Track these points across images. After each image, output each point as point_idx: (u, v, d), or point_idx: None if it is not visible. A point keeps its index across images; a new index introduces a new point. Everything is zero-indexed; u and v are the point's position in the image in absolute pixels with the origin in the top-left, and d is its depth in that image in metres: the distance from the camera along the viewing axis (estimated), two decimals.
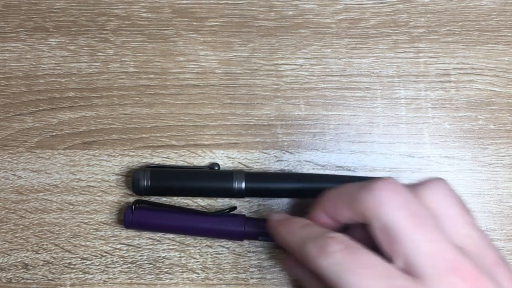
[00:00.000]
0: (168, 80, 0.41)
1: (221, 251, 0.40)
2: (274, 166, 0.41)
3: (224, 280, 0.40)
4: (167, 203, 0.40)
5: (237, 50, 0.42)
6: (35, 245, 0.40)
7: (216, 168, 0.40)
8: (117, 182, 0.41)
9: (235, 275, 0.40)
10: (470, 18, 0.42)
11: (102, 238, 0.40)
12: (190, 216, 0.39)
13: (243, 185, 0.39)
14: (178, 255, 0.40)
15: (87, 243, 0.40)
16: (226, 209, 0.39)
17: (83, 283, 0.40)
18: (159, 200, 0.40)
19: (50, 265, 0.40)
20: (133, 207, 0.39)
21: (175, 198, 0.40)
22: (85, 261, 0.40)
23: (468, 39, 0.42)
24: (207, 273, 0.40)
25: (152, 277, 0.40)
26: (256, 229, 0.39)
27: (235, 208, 0.40)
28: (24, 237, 0.40)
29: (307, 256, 0.30)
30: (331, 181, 0.39)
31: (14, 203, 0.40)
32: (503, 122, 0.41)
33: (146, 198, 0.40)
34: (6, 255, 0.40)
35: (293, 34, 0.42)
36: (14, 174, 0.41)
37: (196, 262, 0.40)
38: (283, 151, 0.41)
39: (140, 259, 0.40)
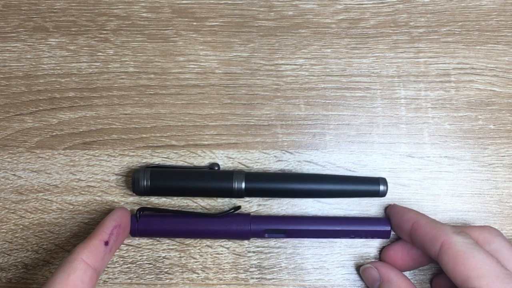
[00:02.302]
0: (168, 80, 0.41)
1: (221, 251, 0.40)
2: (274, 166, 0.41)
3: (224, 280, 0.40)
4: (169, 204, 0.40)
5: (237, 50, 0.42)
6: (35, 245, 0.40)
7: (216, 168, 0.40)
8: (117, 182, 0.41)
9: (235, 275, 0.40)
10: (470, 18, 0.42)
11: None
12: (195, 220, 0.39)
13: (243, 185, 0.39)
14: (178, 255, 0.40)
15: None
16: (231, 209, 0.39)
17: None
18: (159, 200, 0.40)
19: (50, 265, 0.40)
20: (137, 215, 0.39)
21: (175, 198, 0.40)
22: None
23: (468, 39, 0.42)
24: (207, 273, 0.40)
25: (152, 277, 0.40)
26: (262, 227, 0.39)
27: (239, 207, 0.40)
28: (24, 237, 0.40)
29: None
30: (331, 181, 0.39)
31: (14, 203, 0.40)
32: (503, 122, 0.41)
33: (146, 198, 0.40)
34: (6, 255, 0.40)
35: (293, 34, 0.42)
36: (14, 174, 0.41)
37: (196, 262, 0.40)
38: (283, 151, 0.41)
39: (140, 259, 0.40)
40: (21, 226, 0.40)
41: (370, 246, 0.40)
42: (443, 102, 0.42)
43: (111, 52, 0.42)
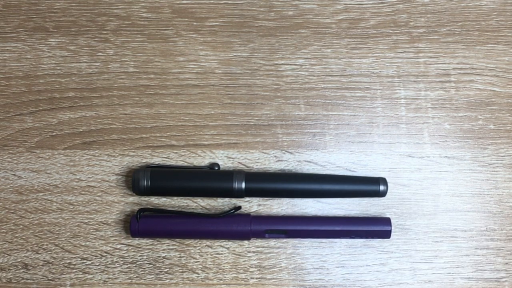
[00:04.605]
0: (168, 80, 0.41)
1: (221, 251, 0.40)
2: (274, 166, 0.41)
3: (224, 280, 0.40)
4: (169, 204, 0.40)
5: (237, 50, 0.42)
6: (35, 245, 0.40)
7: (216, 168, 0.40)
8: (117, 182, 0.41)
9: (235, 275, 0.40)
10: (470, 18, 0.42)
11: (102, 238, 0.40)
12: (196, 220, 0.39)
13: (243, 185, 0.39)
14: (178, 255, 0.40)
15: (87, 243, 0.40)
16: (231, 209, 0.39)
17: (83, 283, 0.40)
18: (159, 200, 0.40)
19: (50, 265, 0.40)
20: (138, 216, 0.39)
21: (175, 198, 0.40)
22: (85, 261, 0.40)
23: (468, 39, 0.42)
24: (207, 273, 0.40)
25: (152, 277, 0.40)
26: (262, 227, 0.39)
27: (239, 208, 0.40)
28: (24, 237, 0.40)
29: None
30: (331, 181, 0.39)
31: (14, 203, 0.40)
32: (503, 122, 0.41)
33: (146, 198, 0.40)
34: (6, 255, 0.40)
35: (293, 34, 0.42)
36: (14, 174, 0.41)
37: (196, 262, 0.40)
38: (283, 151, 0.41)
39: (140, 259, 0.40)
40: (21, 226, 0.40)
41: (370, 246, 0.40)
42: (443, 102, 0.42)
43: (111, 52, 0.42)
